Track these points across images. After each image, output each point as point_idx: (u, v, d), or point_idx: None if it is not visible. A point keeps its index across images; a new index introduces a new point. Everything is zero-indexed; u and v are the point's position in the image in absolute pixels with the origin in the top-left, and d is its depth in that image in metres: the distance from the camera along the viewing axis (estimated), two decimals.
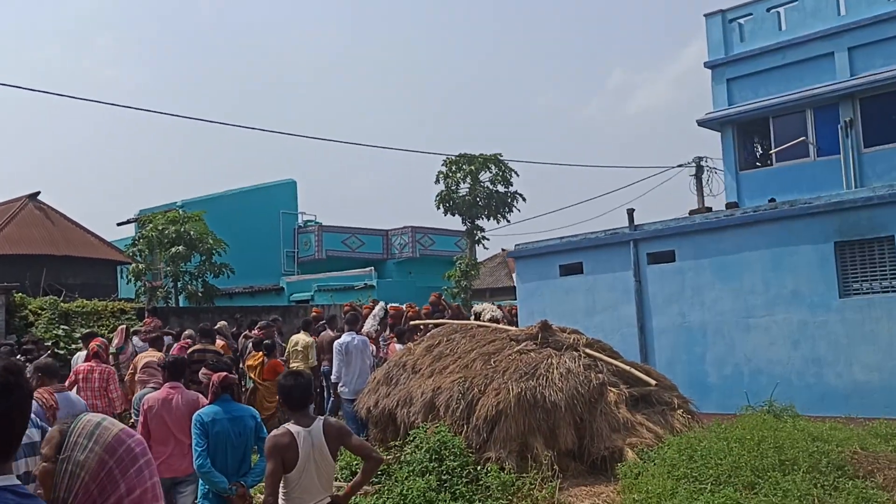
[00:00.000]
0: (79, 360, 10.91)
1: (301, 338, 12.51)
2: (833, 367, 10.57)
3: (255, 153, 70.65)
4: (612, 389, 8.87)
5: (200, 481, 5.41)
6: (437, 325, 11.59)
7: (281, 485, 4.31)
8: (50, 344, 14.21)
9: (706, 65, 17.16)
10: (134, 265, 21.22)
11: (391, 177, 71.70)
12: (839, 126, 15.32)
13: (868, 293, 10.50)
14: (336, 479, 6.58)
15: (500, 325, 10.95)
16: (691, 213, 13.60)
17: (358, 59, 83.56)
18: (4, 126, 73.23)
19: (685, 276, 12.00)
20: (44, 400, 5.88)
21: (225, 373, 5.34)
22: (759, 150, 17.23)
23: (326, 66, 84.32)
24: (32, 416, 5.72)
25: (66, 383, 9.49)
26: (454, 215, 24.34)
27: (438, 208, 24.35)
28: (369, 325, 13.97)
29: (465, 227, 24.62)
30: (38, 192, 24.75)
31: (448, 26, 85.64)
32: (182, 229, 20.70)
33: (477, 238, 24.52)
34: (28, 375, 1.81)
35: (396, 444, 8.72)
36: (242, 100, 77.69)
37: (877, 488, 6.33)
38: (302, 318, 15.34)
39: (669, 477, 6.82)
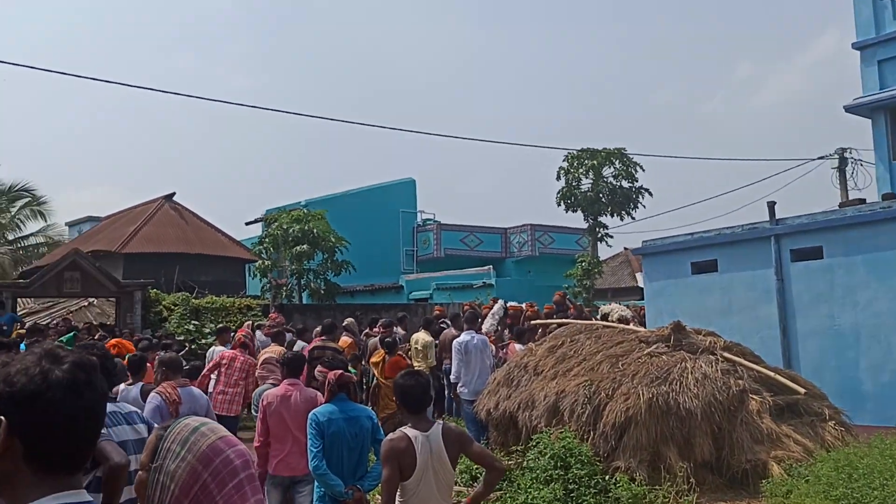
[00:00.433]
0: (213, 354, 11.17)
1: (421, 336, 12.34)
2: None
3: (376, 153, 72.10)
4: (754, 397, 8.16)
5: (316, 483, 5.21)
6: (559, 325, 11.11)
7: (398, 493, 4.02)
8: (182, 339, 14.75)
9: (854, 46, 15.75)
10: (260, 263, 21.84)
11: (510, 174, 71.34)
12: None
13: None
14: (455, 484, 6.31)
15: (628, 326, 10.34)
16: (841, 205, 12.44)
17: (476, 57, 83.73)
18: (144, 129, 78.07)
19: (835, 275, 10.95)
20: (167, 395, 5.89)
21: (341, 371, 5.11)
22: None
23: (446, 66, 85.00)
24: (146, 412, 5.72)
25: (207, 368, 9.80)
26: (576, 212, 23.63)
27: (559, 205, 23.70)
28: (488, 324, 13.65)
29: (588, 224, 23.85)
30: (174, 193, 25.98)
31: (567, 20, 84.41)
32: (306, 228, 21.11)
33: (600, 235, 23.69)
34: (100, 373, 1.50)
35: (518, 448, 8.34)
36: (364, 102, 79.52)
37: None
38: (422, 317, 15.20)
39: (826, 498, 6.09)
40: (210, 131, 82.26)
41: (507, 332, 13.10)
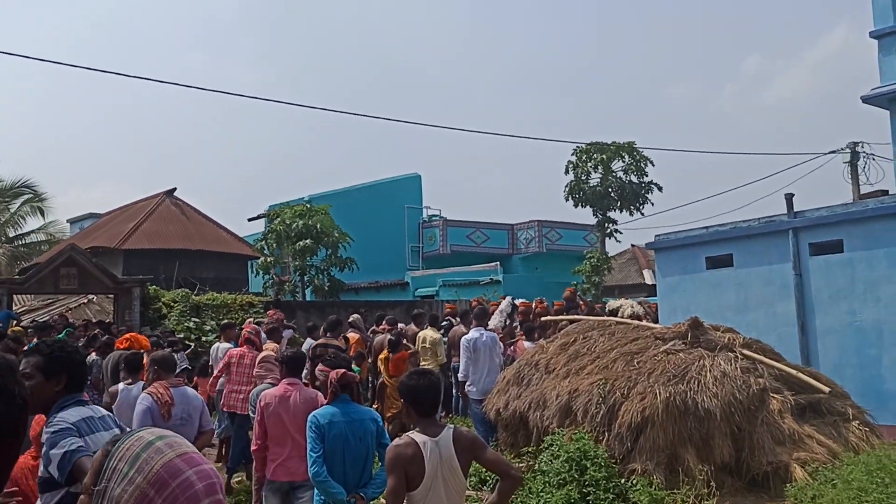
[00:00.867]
0: (218, 350, 10.88)
1: (428, 334, 12.00)
2: None
3: (381, 148, 71.69)
4: (775, 396, 7.83)
5: (316, 489, 4.85)
6: (571, 322, 10.75)
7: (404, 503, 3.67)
8: (182, 336, 14.44)
9: (872, 35, 15.28)
10: (262, 259, 21.54)
11: (518, 169, 70.90)
12: None
13: None
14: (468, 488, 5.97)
15: (643, 323, 9.98)
16: (862, 197, 12.03)
17: (483, 51, 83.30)
18: (146, 123, 77.80)
19: (855, 269, 10.55)
20: (158, 395, 5.55)
21: (343, 370, 4.75)
22: None
23: (452, 59, 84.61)
24: (135, 415, 5.38)
25: (218, 368, 9.49)
26: (584, 207, 23.18)
27: (567, 200, 23.26)
28: (496, 320, 13.31)
29: (596, 220, 23.43)
30: (175, 189, 25.73)
31: (573, 13, 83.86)
32: (309, 223, 20.80)
33: (608, 231, 23.28)
34: (20, 374, 1.14)
35: (529, 450, 8.00)
36: (369, 97, 79.16)
37: None
38: (428, 313, 14.85)
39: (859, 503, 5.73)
40: (214, 127, 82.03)
41: (517, 328, 12.75)
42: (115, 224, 25.23)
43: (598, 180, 22.90)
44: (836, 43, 70.44)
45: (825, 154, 20.33)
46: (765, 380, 7.85)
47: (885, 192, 12.41)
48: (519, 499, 6.94)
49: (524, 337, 11.58)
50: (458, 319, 12.85)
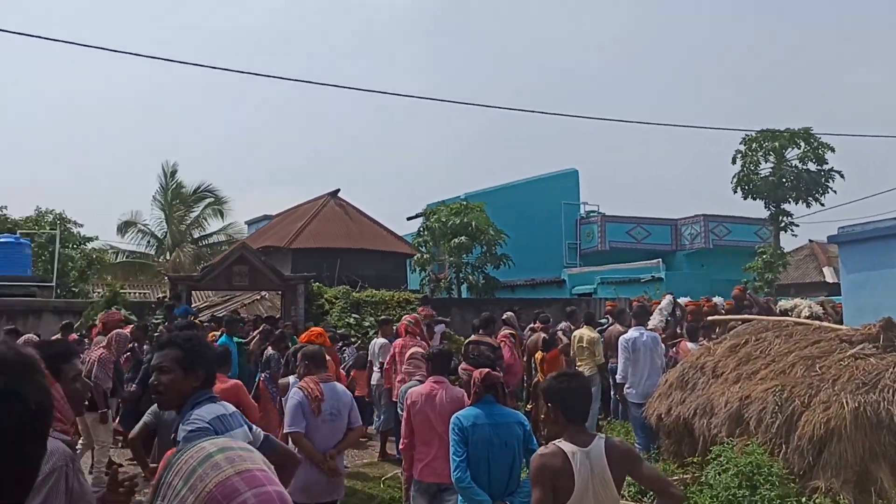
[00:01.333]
0: (376, 346, 11.03)
1: (585, 333, 11.55)
2: None
3: (537, 145, 71.11)
4: None
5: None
6: (742, 322, 9.93)
7: None
8: (343, 332, 14.83)
9: None
10: (418, 256, 21.80)
11: (681, 162, 67.88)
12: None
13: None
14: (623, 498, 5.54)
15: (825, 324, 9.02)
16: None
17: (640, 39, 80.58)
18: (311, 126, 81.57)
19: None
20: (309, 390, 5.54)
21: (487, 369, 4.49)
22: None
23: (608, 49, 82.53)
24: (286, 409, 5.38)
25: (387, 362, 9.64)
26: (754, 199, 21.63)
27: (735, 192, 21.82)
28: (656, 319, 12.60)
29: (769, 213, 21.77)
30: (338, 190, 26.65)
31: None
32: (464, 220, 20.83)
33: (783, 225, 21.57)
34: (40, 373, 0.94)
35: (694, 460, 7.39)
36: (528, 93, 78.81)
37: None
38: (585, 311, 14.35)
39: None
40: (377, 130, 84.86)
41: (680, 329, 12.01)
42: (285, 224, 26.53)
43: (770, 170, 21.27)
44: None
45: None
46: None
47: None
48: None
49: (687, 338, 10.86)
50: (614, 318, 12.30)
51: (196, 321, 14.58)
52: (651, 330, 10.23)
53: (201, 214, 34.92)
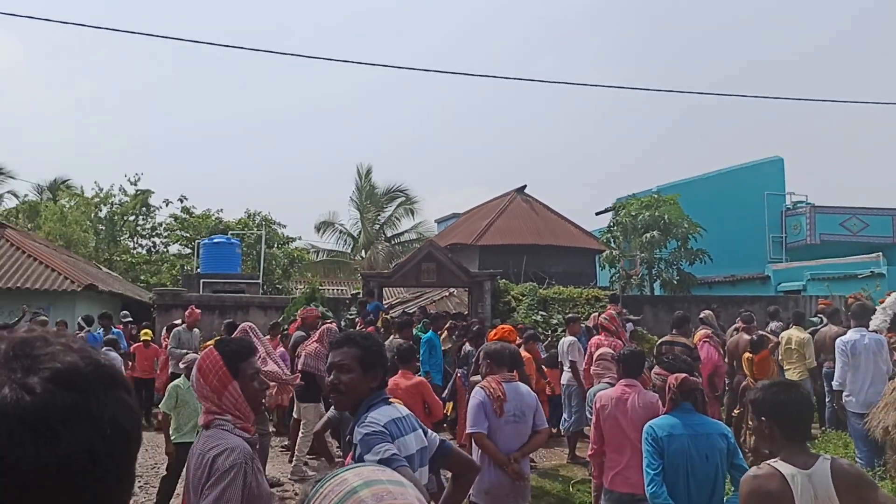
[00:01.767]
0: (564, 345, 10.74)
1: (794, 334, 10.50)
2: None
3: (737, 133, 66.86)
4: None
5: None
6: None
7: None
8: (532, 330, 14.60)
9: None
10: (607, 252, 21.14)
11: None
12: None
13: None
14: None
15: None
16: None
17: (854, 15, 73.33)
18: (498, 122, 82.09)
19: None
20: (491, 390, 5.36)
21: (684, 374, 4.04)
22: None
23: (821, 27, 75.97)
24: (469, 408, 5.21)
25: (584, 362, 9.42)
26: None
27: None
28: (879, 320, 11.17)
29: None
30: (525, 186, 26.52)
31: None
32: (656, 214, 19.90)
33: None
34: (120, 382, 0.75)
35: None
36: (729, 79, 74.47)
37: None
38: (793, 311, 13.13)
39: None
40: (563, 123, 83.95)
41: None
42: (472, 222, 26.80)
43: None
44: None
45: None
46: None
47: None
48: None
49: None
50: (827, 318, 11.08)
51: (387, 317, 15.00)
52: (874, 331, 9.07)
53: (393, 213, 36.30)
